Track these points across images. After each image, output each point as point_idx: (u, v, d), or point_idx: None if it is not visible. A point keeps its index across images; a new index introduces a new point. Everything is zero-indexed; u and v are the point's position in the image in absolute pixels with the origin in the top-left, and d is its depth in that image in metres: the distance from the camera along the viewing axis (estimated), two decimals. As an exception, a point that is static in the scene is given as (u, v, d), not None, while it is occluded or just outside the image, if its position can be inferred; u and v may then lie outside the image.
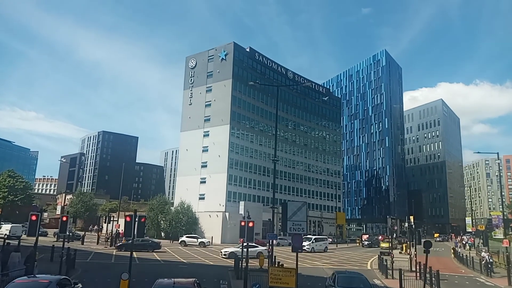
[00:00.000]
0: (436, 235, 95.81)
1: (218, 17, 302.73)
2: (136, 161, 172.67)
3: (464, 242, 60.19)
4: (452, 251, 49.30)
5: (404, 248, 50.38)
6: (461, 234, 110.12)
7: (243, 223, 23.06)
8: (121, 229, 37.80)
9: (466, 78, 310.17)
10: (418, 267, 26.28)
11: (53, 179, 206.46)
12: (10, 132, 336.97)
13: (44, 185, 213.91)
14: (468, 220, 68.43)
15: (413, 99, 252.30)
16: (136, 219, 17.28)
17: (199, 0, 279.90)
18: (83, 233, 55.22)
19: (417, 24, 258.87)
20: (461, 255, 42.97)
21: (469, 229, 66.32)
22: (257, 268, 25.48)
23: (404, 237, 64.50)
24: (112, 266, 27.40)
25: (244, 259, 23.18)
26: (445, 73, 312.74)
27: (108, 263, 30.15)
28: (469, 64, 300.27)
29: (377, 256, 35.18)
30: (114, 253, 36.21)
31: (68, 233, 48.71)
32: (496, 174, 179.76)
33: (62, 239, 22.88)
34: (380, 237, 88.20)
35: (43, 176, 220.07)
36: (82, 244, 45.64)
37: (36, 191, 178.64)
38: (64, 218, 21.52)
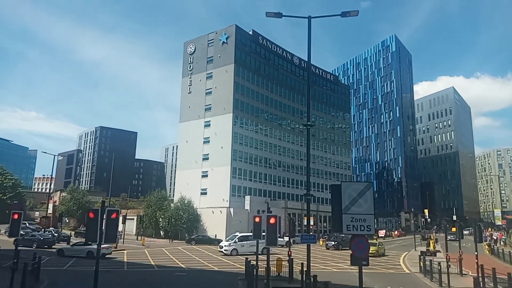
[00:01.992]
0: (453, 229, 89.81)
1: (217, 14, 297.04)
2: (136, 158, 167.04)
3: (495, 238, 54.45)
4: (486, 247, 43.98)
5: (431, 245, 44.81)
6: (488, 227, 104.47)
7: (257, 219, 17.42)
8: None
9: (466, 72, 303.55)
10: (480, 271, 20.47)
11: (52, 177, 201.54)
12: (12, 133, 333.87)
13: (44, 184, 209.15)
14: (497, 212, 62.53)
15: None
16: (105, 215, 11.76)
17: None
18: (69, 233, 49.73)
19: (416, 18, 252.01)
20: (498, 251, 37.75)
21: (498, 222, 60.46)
22: (275, 276, 19.81)
23: (429, 232, 58.28)
24: (91, 276, 21.68)
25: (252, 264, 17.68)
26: (445, 67, 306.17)
27: (88, 271, 24.44)
28: (469, 57, 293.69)
29: (418, 256, 29.43)
30: (100, 257, 30.53)
31: (53, 233, 43.58)
32: (509, 164, 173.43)
33: (16, 243, 17.16)
34: (396, 233, 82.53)
35: (43, 175, 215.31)
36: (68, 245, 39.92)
37: (36, 190, 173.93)
38: (15, 216, 15.82)
